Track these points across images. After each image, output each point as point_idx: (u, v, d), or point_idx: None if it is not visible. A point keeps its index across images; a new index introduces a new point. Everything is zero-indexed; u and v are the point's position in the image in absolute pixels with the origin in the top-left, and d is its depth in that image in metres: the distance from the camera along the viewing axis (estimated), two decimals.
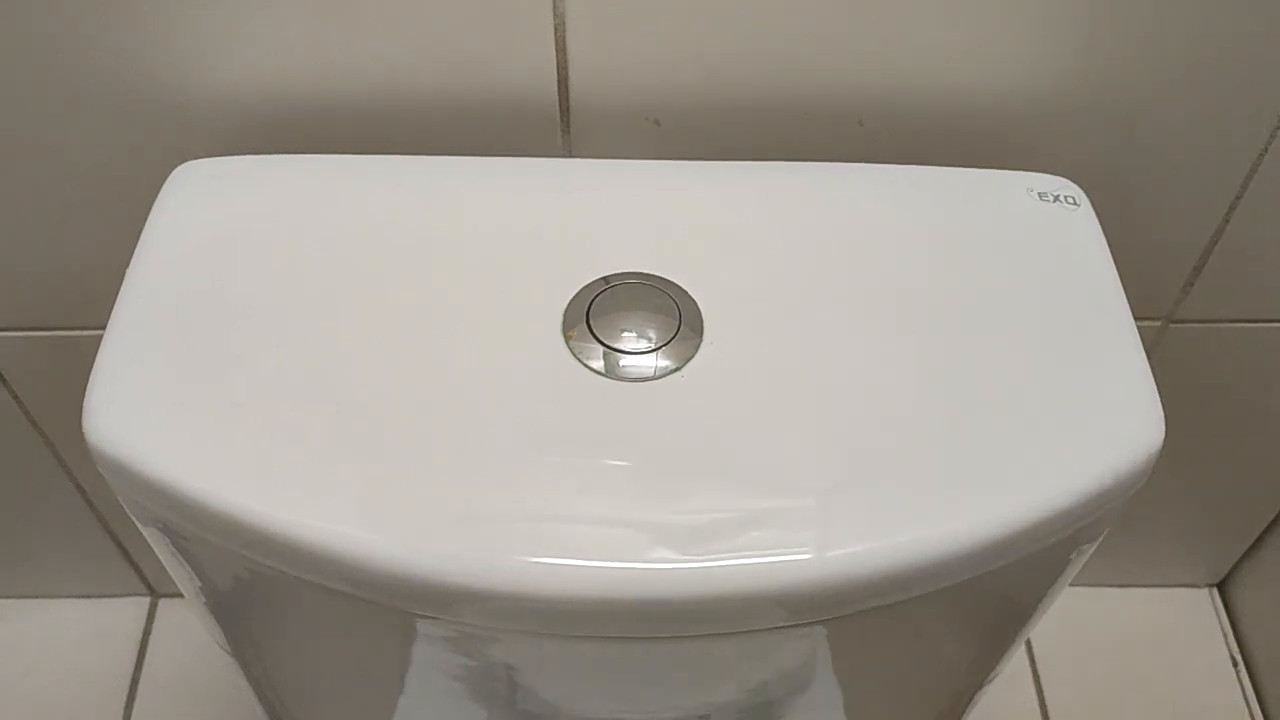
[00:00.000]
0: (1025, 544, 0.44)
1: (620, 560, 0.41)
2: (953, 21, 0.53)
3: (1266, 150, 0.59)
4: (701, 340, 0.46)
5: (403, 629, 0.46)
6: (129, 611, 0.95)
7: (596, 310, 0.46)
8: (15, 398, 0.73)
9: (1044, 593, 0.52)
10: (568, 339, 0.46)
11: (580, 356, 0.45)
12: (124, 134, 0.56)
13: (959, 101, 0.56)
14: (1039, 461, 0.44)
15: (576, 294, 0.47)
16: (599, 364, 0.45)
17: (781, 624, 0.43)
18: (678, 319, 0.46)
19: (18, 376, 0.72)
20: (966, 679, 0.60)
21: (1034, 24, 0.53)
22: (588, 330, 0.46)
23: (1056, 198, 0.53)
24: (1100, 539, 0.49)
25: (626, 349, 0.45)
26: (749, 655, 0.48)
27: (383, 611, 0.44)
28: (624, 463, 0.43)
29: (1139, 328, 0.69)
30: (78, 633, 0.94)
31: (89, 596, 0.95)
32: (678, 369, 0.45)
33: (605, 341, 0.45)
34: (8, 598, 0.96)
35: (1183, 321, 0.70)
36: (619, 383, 0.45)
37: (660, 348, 0.45)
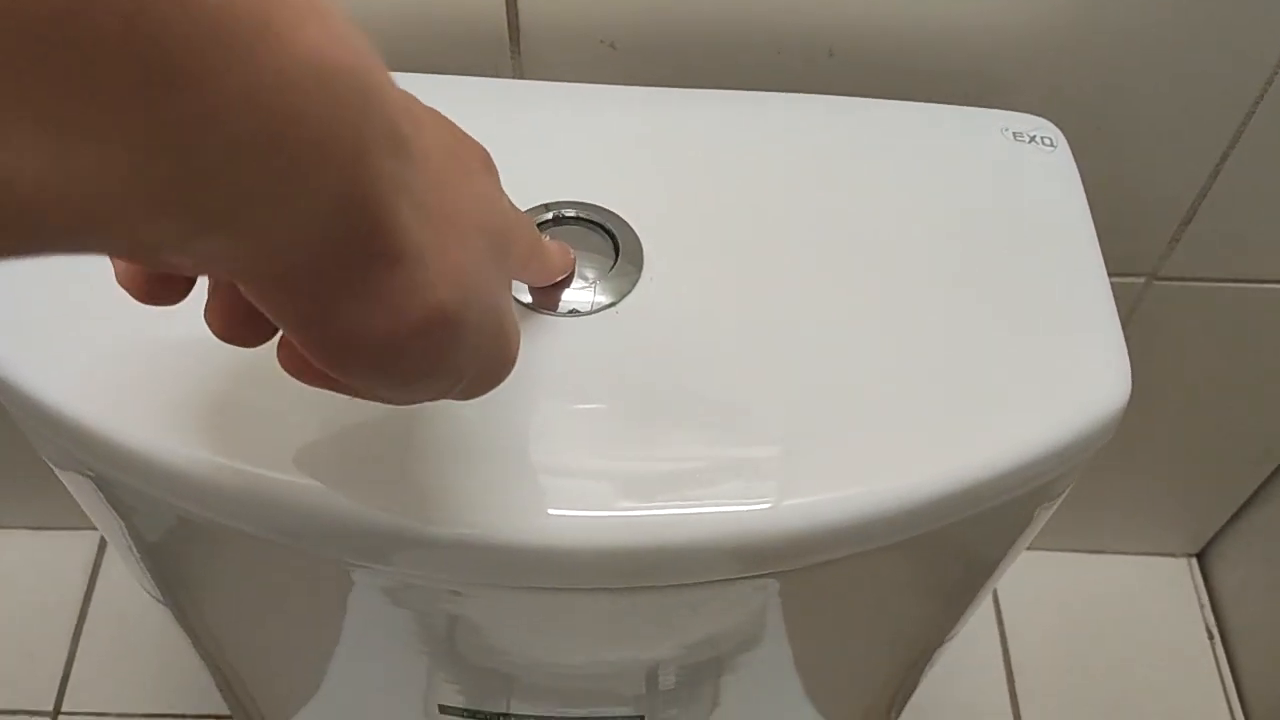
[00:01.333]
0: (983, 499, 0.42)
1: (566, 509, 0.38)
2: None
3: (1260, 100, 0.56)
4: (640, 275, 0.43)
5: (340, 578, 0.44)
6: (79, 544, 0.94)
7: None
8: None
9: (1005, 550, 0.50)
10: None
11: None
12: None
13: (935, 34, 0.53)
14: (1000, 415, 0.42)
15: None
16: (527, 297, 0.42)
17: (737, 575, 0.41)
18: (614, 253, 0.43)
19: None
20: (926, 636, 0.58)
21: None
22: None
23: (1032, 138, 0.50)
24: (1063, 495, 0.47)
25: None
26: (703, 607, 0.46)
27: (318, 560, 0.42)
28: (562, 405, 0.41)
29: (1121, 284, 0.67)
30: (27, 564, 0.93)
31: (39, 528, 0.94)
32: (613, 304, 0.42)
33: None
34: None
35: (1167, 279, 0.67)
36: (549, 317, 0.42)
37: (595, 281, 0.43)
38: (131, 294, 0.27)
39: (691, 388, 0.41)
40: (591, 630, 0.48)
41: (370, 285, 0.23)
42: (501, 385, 0.40)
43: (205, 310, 0.28)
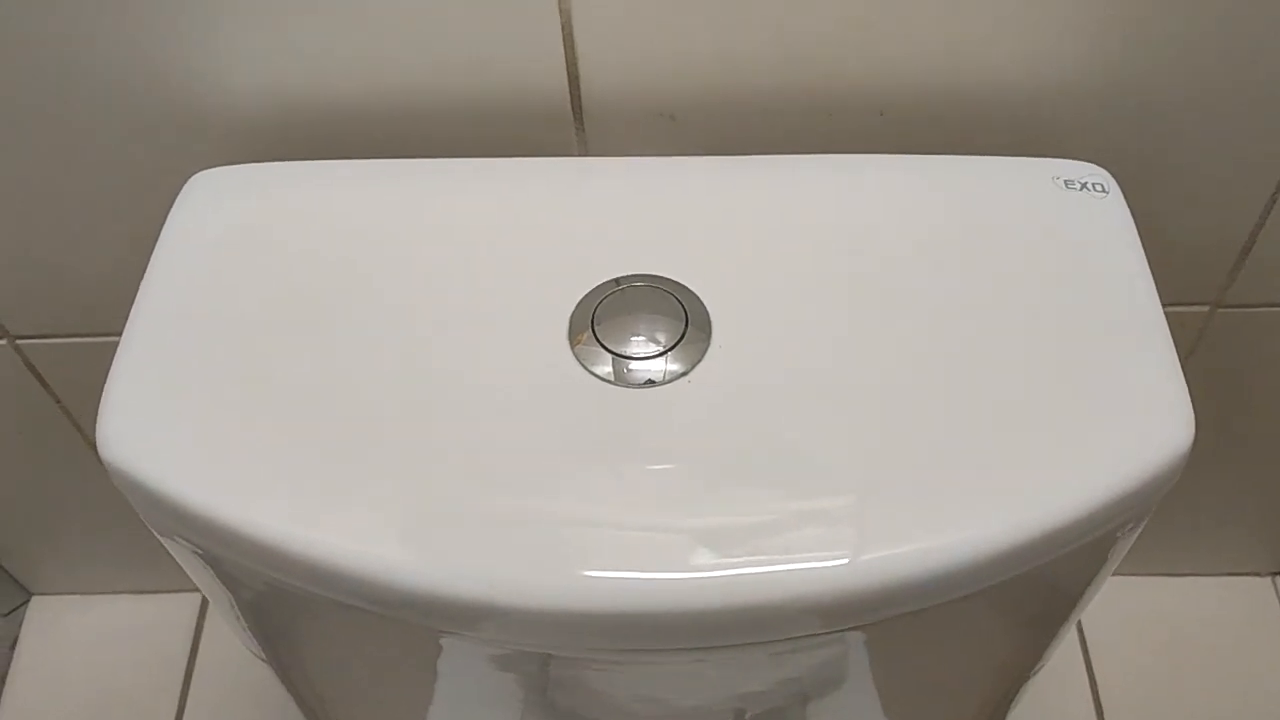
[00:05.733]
0: (1057, 546, 0.43)
1: (647, 572, 0.40)
2: (977, 6, 0.51)
3: None
4: (710, 343, 0.45)
5: (431, 643, 0.46)
6: (182, 607, 0.97)
7: (603, 314, 0.46)
8: (58, 402, 0.75)
9: (1085, 586, 0.51)
10: (574, 344, 0.45)
11: (585, 362, 0.45)
12: (140, 144, 0.57)
13: (983, 88, 0.54)
14: (1069, 463, 0.43)
15: (583, 298, 0.46)
16: (605, 370, 0.44)
17: (820, 631, 0.43)
18: (684, 322, 0.45)
19: (59, 382, 0.73)
20: (1009, 674, 0.59)
21: (1062, 8, 0.51)
22: (593, 335, 0.45)
23: (1084, 185, 0.51)
24: (1139, 531, 0.47)
25: (632, 354, 0.45)
26: (786, 659, 0.47)
27: (410, 627, 0.44)
28: (643, 473, 0.42)
29: (1185, 314, 0.68)
30: (133, 628, 0.96)
31: (143, 592, 0.97)
32: (685, 373, 0.44)
33: (610, 347, 0.45)
34: (64, 594, 0.98)
35: (1231, 306, 0.67)
36: (626, 389, 0.44)
37: (667, 352, 0.45)
38: None
39: (767, 450, 0.43)
40: (677, 686, 0.50)
41: None
42: (587, 455, 0.42)
43: None
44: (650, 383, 0.44)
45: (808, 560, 0.40)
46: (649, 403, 0.44)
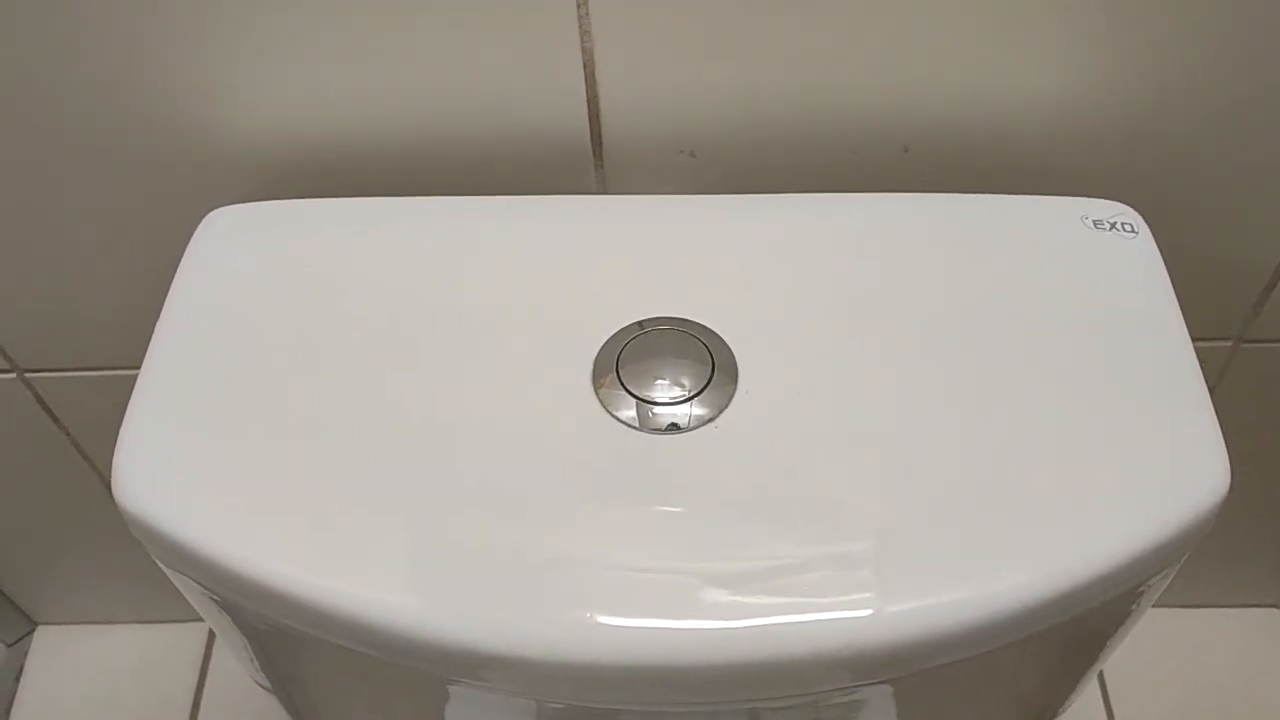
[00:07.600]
0: (1088, 598, 0.42)
1: (668, 623, 0.39)
2: (1000, 42, 0.50)
3: None
4: (736, 388, 0.44)
5: (439, 689, 0.46)
6: (189, 637, 0.96)
7: (628, 358, 0.45)
8: (67, 434, 0.74)
9: (1111, 636, 0.50)
10: (597, 389, 0.44)
11: (609, 407, 0.44)
12: (156, 180, 0.56)
13: (1008, 124, 0.54)
14: (1100, 512, 0.42)
15: (607, 341, 0.46)
16: (629, 414, 0.44)
17: (843, 685, 0.42)
18: (710, 366, 0.45)
19: (69, 415, 0.73)
20: (1038, 715, 0.58)
21: (1084, 43, 0.50)
22: (617, 379, 0.44)
23: (1113, 225, 0.50)
24: (1170, 579, 0.47)
25: (658, 399, 0.44)
26: (803, 709, 0.46)
27: (421, 675, 0.43)
28: (659, 521, 0.42)
29: (1208, 348, 0.67)
30: (139, 658, 0.95)
31: (149, 622, 0.96)
32: (712, 419, 0.44)
33: (635, 392, 0.44)
34: (69, 624, 0.98)
35: (1254, 341, 0.67)
36: (650, 434, 0.43)
37: (693, 397, 0.44)
38: None
39: (794, 500, 0.42)
40: None
41: None
42: (609, 501, 0.42)
43: None
44: (674, 427, 0.44)
45: (833, 612, 0.39)
46: (673, 448, 0.43)
